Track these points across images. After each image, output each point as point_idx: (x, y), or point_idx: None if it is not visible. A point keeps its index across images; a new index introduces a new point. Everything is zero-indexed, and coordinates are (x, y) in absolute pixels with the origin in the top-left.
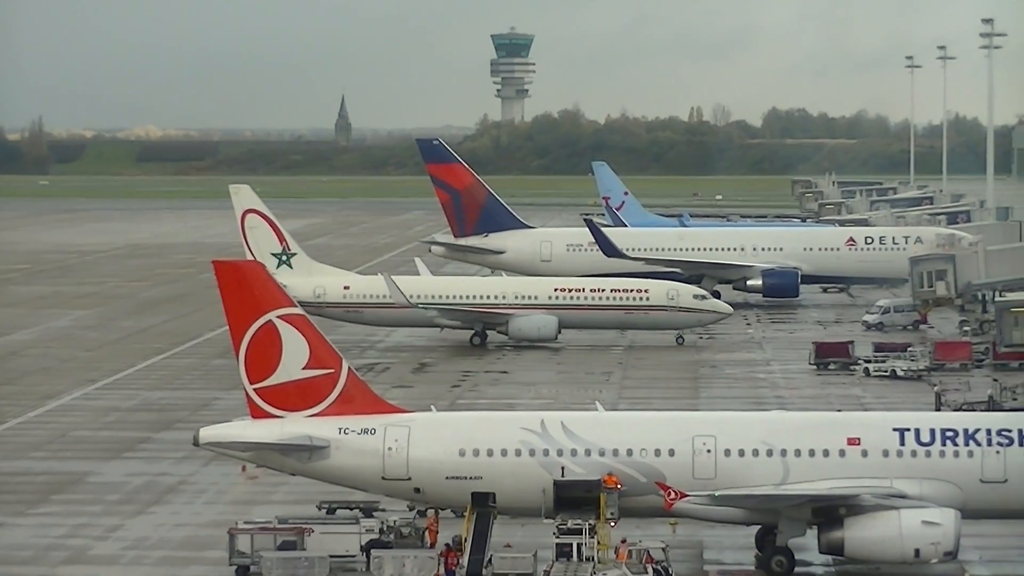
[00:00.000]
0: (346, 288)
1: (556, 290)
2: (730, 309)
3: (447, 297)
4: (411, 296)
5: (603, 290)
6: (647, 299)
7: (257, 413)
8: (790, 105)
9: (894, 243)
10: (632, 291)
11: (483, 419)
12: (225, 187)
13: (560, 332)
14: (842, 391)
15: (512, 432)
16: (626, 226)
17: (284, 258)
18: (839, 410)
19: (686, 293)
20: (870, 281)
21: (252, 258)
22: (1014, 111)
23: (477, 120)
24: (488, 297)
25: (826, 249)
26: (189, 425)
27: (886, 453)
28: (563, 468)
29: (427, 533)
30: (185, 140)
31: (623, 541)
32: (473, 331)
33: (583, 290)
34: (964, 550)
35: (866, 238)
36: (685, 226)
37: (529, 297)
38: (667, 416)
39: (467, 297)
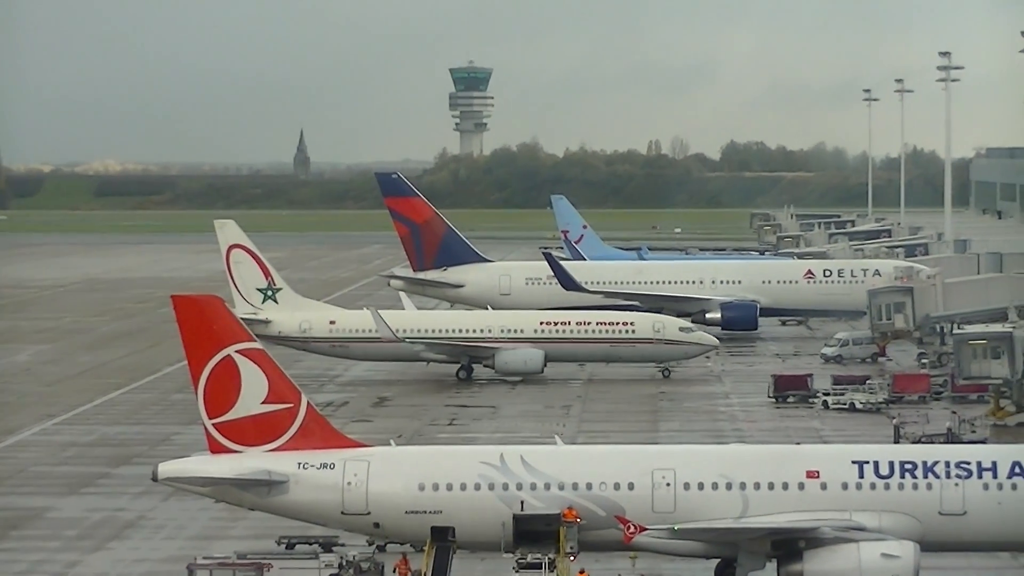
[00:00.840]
0: (332, 323)
1: (542, 323)
2: (716, 342)
3: (433, 331)
4: (397, 330)
5: (589, 323)
6: (633, 332)
7: (216, 448)
8: (748, 138)
9: (852, 276)
10: (618, 324)
11: (442, 453)
12: (184, 222)
13: (546, 365)
14: (801, 424)
15: (471, 466)
16: (585, 259)
17: (269, 293)
18: (798, 443)
19: (672, 326)
20: (828, 314)
21: (238, 293)
22: (972, 144)
23: (436, 154)
24: (474, 331)
25: (784, 282)
26: (148, 460)
27: (845, 486)
28: (522, 502)
29: (396, 573)
30: (144, 174)
31: (581, 572)
32: (459, 365)
33: (569, 323)
34: None
35: (824, 271)
36: (644, 259)
37: (515, 331)
38: (626, 449)
39: (453, 331)
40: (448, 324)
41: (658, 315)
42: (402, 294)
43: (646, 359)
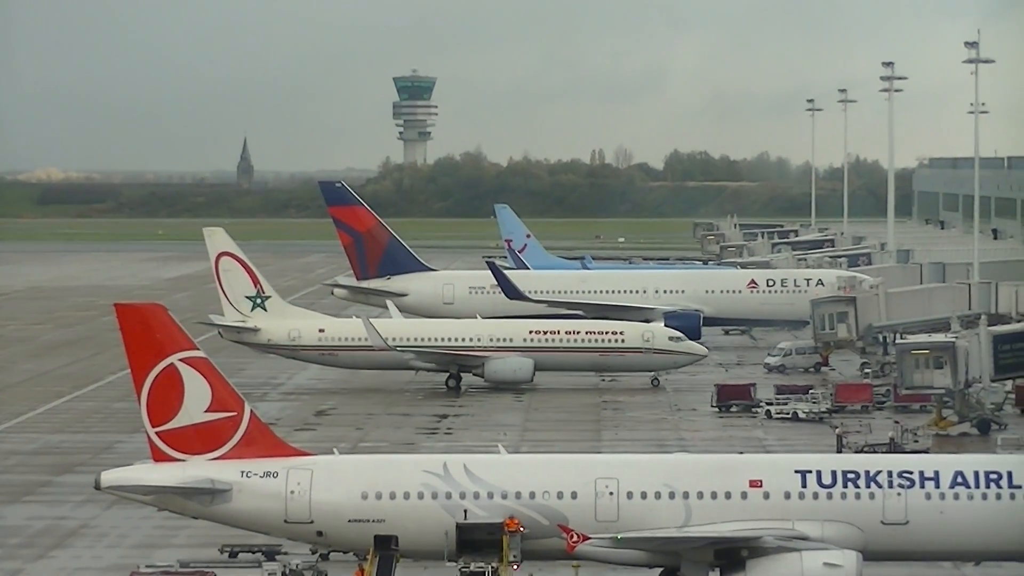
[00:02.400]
0: (321, 331)
1: (531, 332)
2: (705, 351)
3: (422, 340)
4: (388, 339)
5: (579, 332)
6: (622, 341)
7: (159, 456)
8: (692, 148)
9: (795, 285)
10: (608, 333)
11: (385, 462)
12: (127, 230)
13: (535, 374)
14: (744, 433)
15: (414, 475)
16: (528, 268)
17: (259, 301)
18: (741, 452)
19: (661, 335)
20: (772, 323)
21: (227, 301)
22: (914, 154)
23: (379, 163)
24: (463, 340)
25: (728, 291)
26: (91, 468)
27: (788, 495)
28: (465, 511)
29: None
30: (86, 183)
31: None
32: (448, 373)
33: (558, 332)
34: None
35: (767, 280)
36: (587, 268)
37: (504, 339)
38: (569, 459)
39: (442, 340)
40: (437, 333)
41: (648, 324)
42: (389, 302)
43: (635, 368)
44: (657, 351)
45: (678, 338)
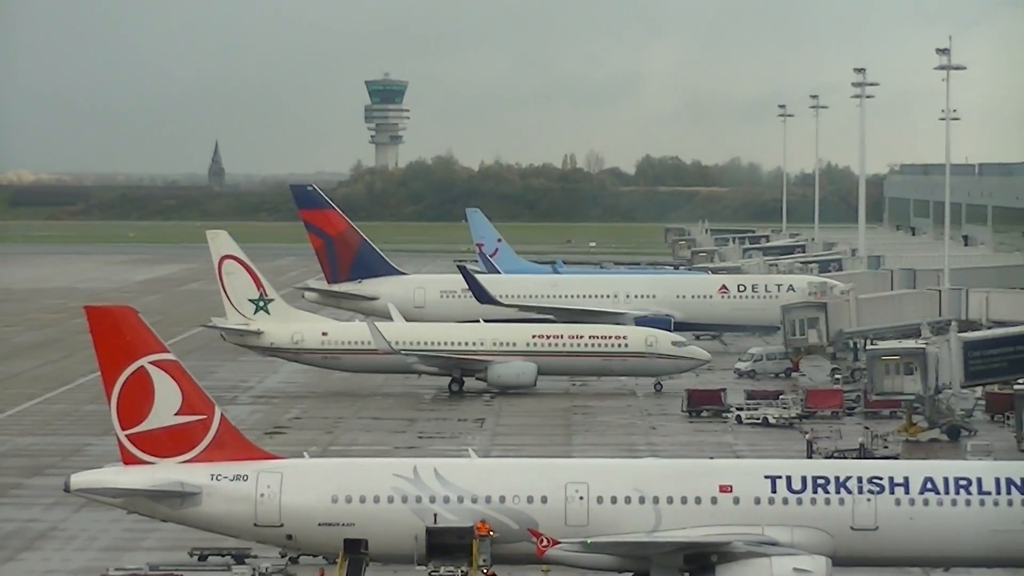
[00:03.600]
0: (324, 334)
1: (534, 336)
2: (708, 356)
3: (425, 343)
4: (392, 342)
5: (581, 336)
6: (625, 346)
7: (129, 459)
8: (664, 153)
9: (766, 291)
10: (610, 338)
11: (356, 465)
12: (98, 232)
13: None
14: (714, 438)
15: (385, 479)
16: (500, 273)
17: (262, 304)
18: (711, 457)
19: (664, 340)
20: (742, 329)
21: (230, 304)
22: (886, 160)
23: (351, 166)
24: (466, 344)
25: (699, 296)
26: (60, 471)
27: (758, 500)
28: (436, 515)
29: None
30: (58, 185)
31: None
32: (451, 377)
33: (561, 337)
34: None
35: (739, 286)
36: (558, 273)
37: (507, 344)
38: (540, 463)
39: (446, 343)
40: (440, 337)
41: (651, 329)
42: (390, 305)
43: (638, 373)
44: (660, 356)
45: (681, 343)
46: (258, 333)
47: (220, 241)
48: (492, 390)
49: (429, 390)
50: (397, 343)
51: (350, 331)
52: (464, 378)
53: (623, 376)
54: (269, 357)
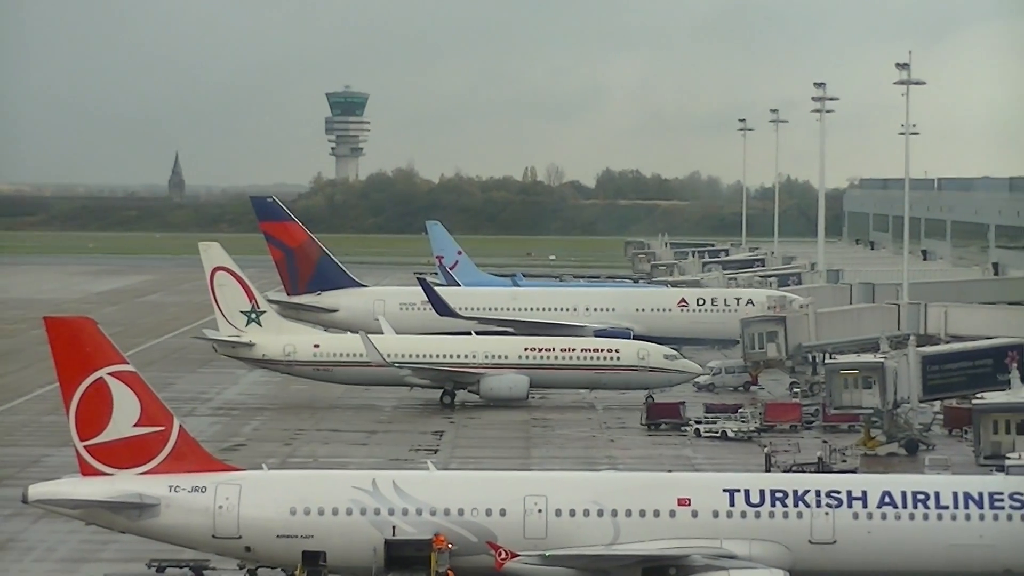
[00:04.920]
0: (316, 346)
1: (526, 349)
2: (700, 369)
3: (418, 356)
4: (386, 355)
5: (574, 349)
6: (617, 359)
7: (87, 470)
8: (624, 166)
9: (726, 304)
10: (603, 351)
11: (314, 477)
12: (58, 243)
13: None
14: (673, 452)
15: (343, 491)
16: (459, 285)
17: (253, 316)
18: (670, 471)
19: (656, 353)
20: (702, 342)
21: (221, 316)
22: (845, 174)
23: (311, 178)
24: (459, 356)
25: (658, 310)
26: (18, 482)
27: (716, 514)
28: (394, 527)
29: None
30: (16, 195)
31: None
32: (443, 390)
33: (553, 350)
34: None
35: (698, 299)
36: (518, 286)
37: (500, 356)
38: (499, 476)
39: (437, 356)
40: (432, 349)
41: (643, 343)
42: (381, 318)
43: (630, 386)
44: (652, 369)
45: (673, 356)
46: (250, 345)
47: (212, 253)
48: (484, 403)
49: (389, 402)
50: (390, 355)
51: (342, 343)
52: (456, 391)
53: (615, 390)
54: (261, 369)
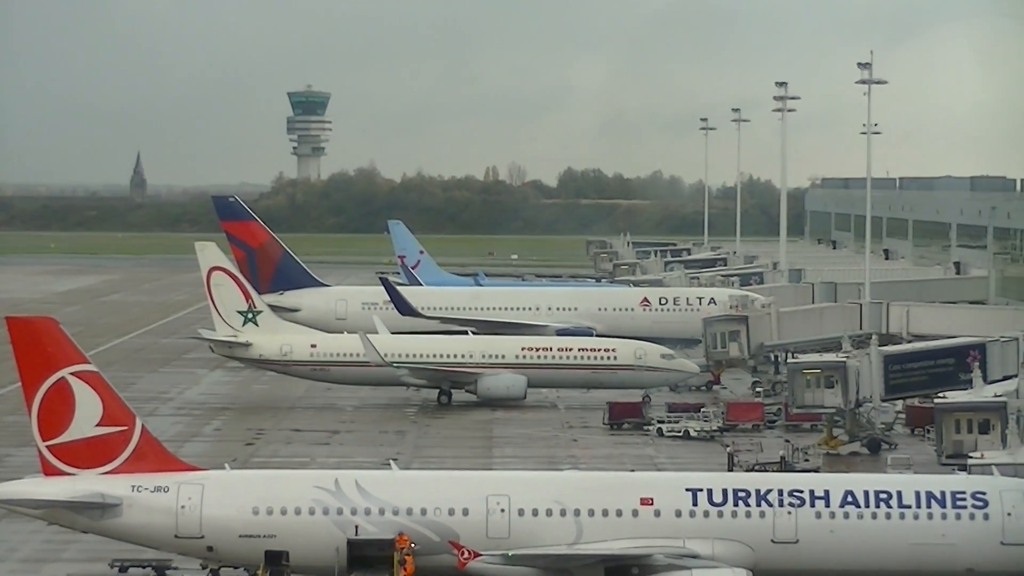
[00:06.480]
0: (313, 346)
1: (523, 349)
2: (697, 368)
3: (414, 356)
4: (384, 355)
5: (571, 349)
6: (614, 358)
7: (49, 470)
8: (586, 166)
9: (688, 304)
10: (600, 350)
11: (277, 477)
12: (19, 243)
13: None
14: (635, 451)
15: (306, 490)
16: (421, 285)
17: (250, 316)
18: (632, 470)
19: (653, 352)
20: (664, 341)
21: (218, 316)
22: (807, 174)
23: (273, 178)
24: (455, 356)
25: (620, 309)
26: None
27: (679, 513)
28: (357, 527)
29: None
30: None
31: None
32: (440, 390)
33: (551, 349)
34: None
35: (660, 299)
36: (480, 285)
37: (497, 356)
38: (461, 475)
39: (434, 356)
40: (429, 349)
41: (640, 342)
42: (376, 318)
43: (627, 385)
44: (649, 368)
45: (670, 356)
46: (247, 345)
47: (209, 253)
48: (481, 402)
49: (351, 402)
50: (387, 355)
51: (339, 343)
52: (453, 390)
53: (612, 389)
54: (258, 369)
